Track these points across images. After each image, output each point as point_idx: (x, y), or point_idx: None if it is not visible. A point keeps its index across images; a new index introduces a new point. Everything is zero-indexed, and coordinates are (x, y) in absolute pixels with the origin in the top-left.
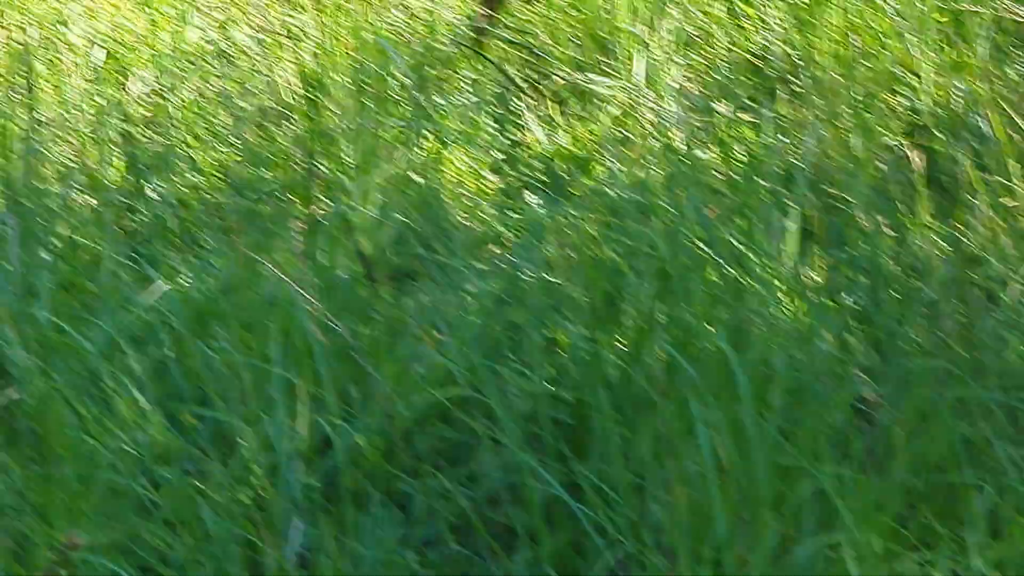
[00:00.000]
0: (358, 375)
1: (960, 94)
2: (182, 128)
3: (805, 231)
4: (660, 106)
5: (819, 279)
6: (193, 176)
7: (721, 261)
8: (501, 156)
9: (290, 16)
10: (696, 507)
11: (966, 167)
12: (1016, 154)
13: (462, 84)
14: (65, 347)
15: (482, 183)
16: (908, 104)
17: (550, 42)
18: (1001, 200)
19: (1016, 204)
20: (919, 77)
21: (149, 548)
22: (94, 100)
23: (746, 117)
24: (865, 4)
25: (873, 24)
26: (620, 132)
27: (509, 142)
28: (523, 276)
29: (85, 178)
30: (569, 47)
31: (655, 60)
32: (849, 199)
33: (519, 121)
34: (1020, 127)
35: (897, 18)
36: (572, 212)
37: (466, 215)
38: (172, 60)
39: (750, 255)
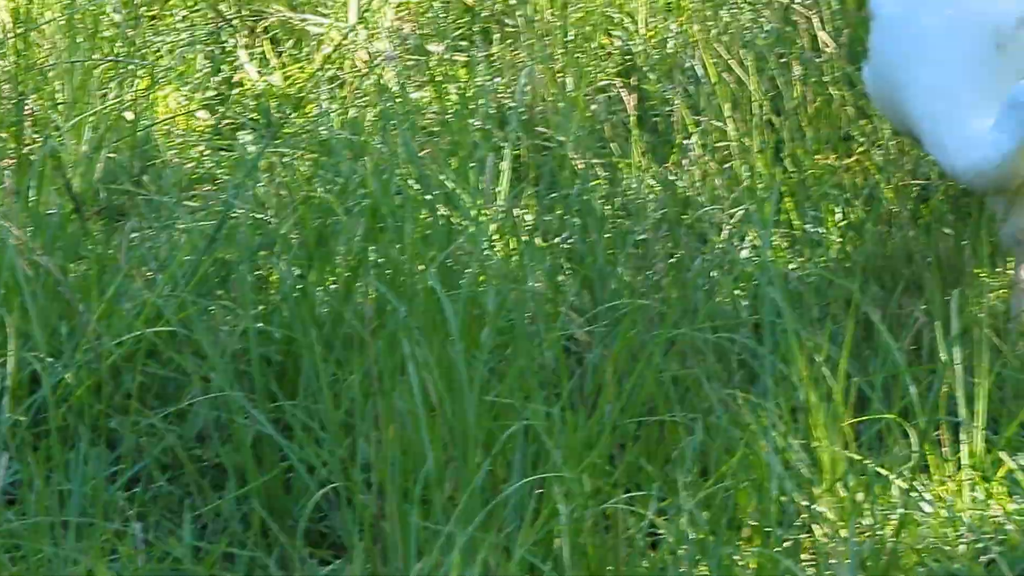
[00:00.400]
0: (67, 312)
1: (673, 35)
2: None
3: (518, 171)
4: (373, 45)
5: (531, 219)
6: None
7: (433, 201)
8: (214, 94)
9: None
10: (406, 445)
11: (679, 108)
12: (728, 96)
13: (175, 21)
14: None
15: (194, 121)
16: (622, 45)
17: None
18: (713, 142)
19: (727, 145)
20: (633, 18)
21: None
22: None
23: (459, 57)
24: None
25: None
26: (333, 71)
27: (222, 80)
28: (234, 214)
29: None
30: None
31: None
32: (562, 139)
33: (232, 60)
34: (732, 69)
35: None
36: (284, 151)
37: (178, 153)
38: None
39: (462, 195)
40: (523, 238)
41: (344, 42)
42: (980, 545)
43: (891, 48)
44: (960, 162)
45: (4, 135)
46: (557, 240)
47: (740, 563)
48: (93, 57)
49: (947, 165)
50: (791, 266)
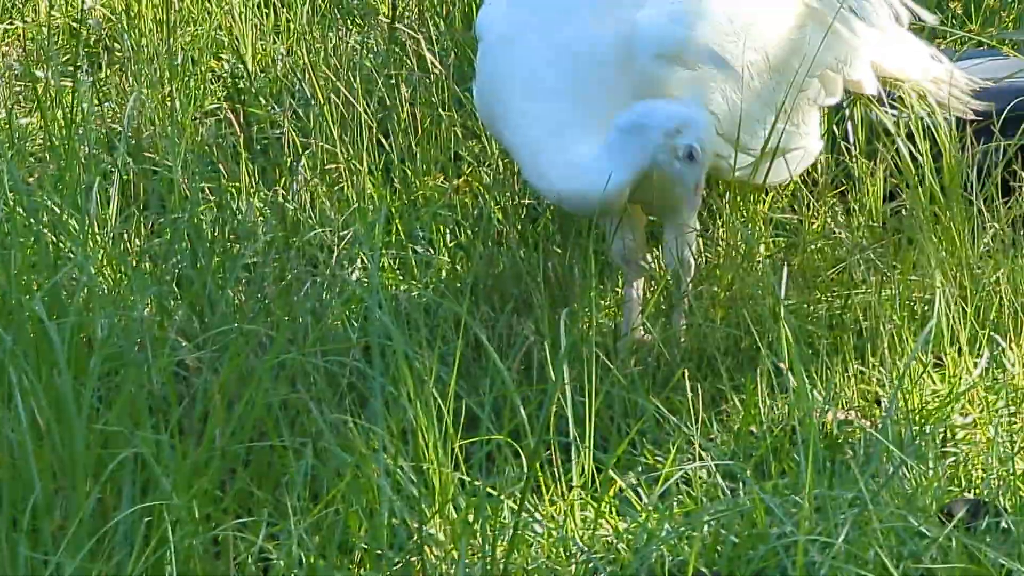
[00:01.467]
0: None
1: (282, 58)
2: None
3: (126, 196)
4: None
5: (140, 244)
6: None
7: (40, 228)
8: None
9: None
10: (14, 474)
11: (288, 131)
12: (337, 118)
13: None
14: None
15: None
16: (231, 69)
17: None
18: (322, 164)
19: (336, 167)
20: (241, 42)
21: None
22: None
23: (66, 82)
24: None
25: None
26: None
27: None
28: None
29: None
30: None
31: None
32: (170, 163)
33: None
34: (341, 91)
35: None
36: None
37: None
38: None
39: (69, 221)
40: (131, 263)
41: None
42: (591, 565)
43: (495, 71)
44: (563, 187)
45: None
46: (166, 264)
47: None
48: None
49: (547, 190)
50: (401, 288)
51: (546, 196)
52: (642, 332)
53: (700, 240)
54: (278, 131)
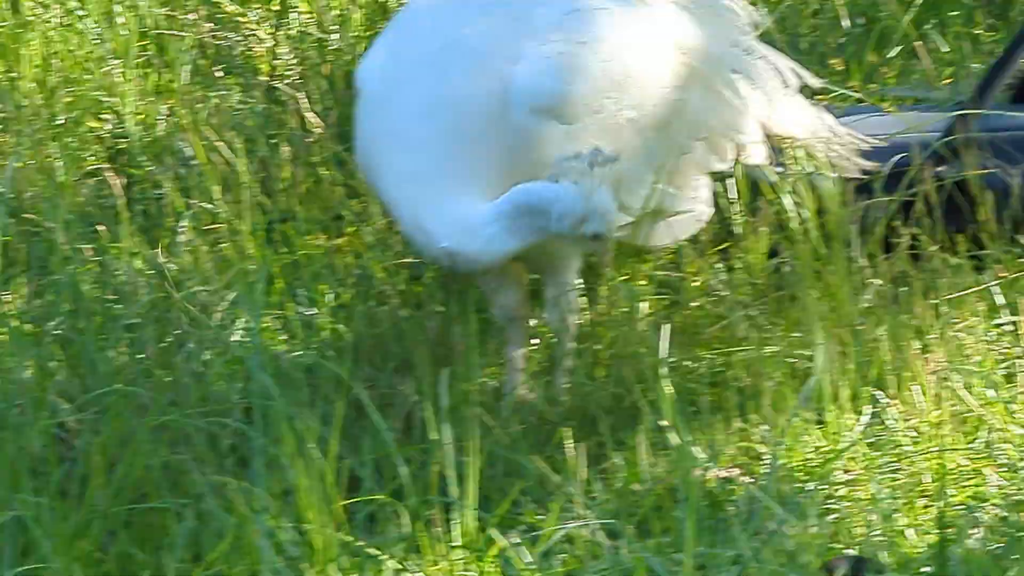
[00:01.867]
0: None
1: (163, 118)
2: None
3: (7, 257)
4: None
5: (20, 305)
6: None
7: None
8: None
9: None
10: None
11: (169, 191)
12: (218, 178)
13: None
14: None
15: None
16: (111, 130)
17: None
18: (203, 224)
19: (217, 227)
20: (122, 103)
21: None
22: None
23: None
24: (67, 30)
25: (75, 50)
26: None
27: None
28: None
29: None
30: None
31: None
32: (51, 225)
33: None
34: (220, 151)
35: (99, 44)
36: None
37: None
38: None
39: None
40: (12, 325)
41: None
42: None
43: (374, 124)
44: (448, 244)
45: None
46: (47, 325)
47: None
48: None
49: (427, 244)
50: (282, 348)
51: (424, 250)
52: (524, 391)
53: (582, 298)
54: (159, 191)
